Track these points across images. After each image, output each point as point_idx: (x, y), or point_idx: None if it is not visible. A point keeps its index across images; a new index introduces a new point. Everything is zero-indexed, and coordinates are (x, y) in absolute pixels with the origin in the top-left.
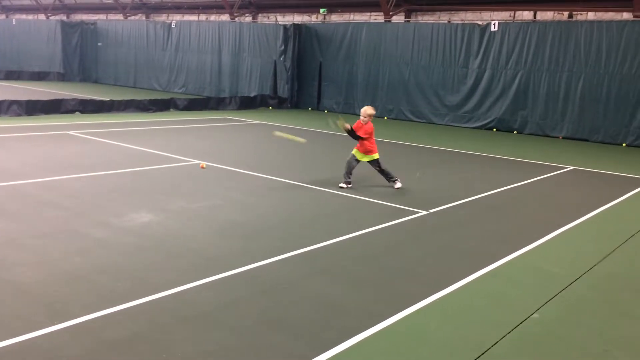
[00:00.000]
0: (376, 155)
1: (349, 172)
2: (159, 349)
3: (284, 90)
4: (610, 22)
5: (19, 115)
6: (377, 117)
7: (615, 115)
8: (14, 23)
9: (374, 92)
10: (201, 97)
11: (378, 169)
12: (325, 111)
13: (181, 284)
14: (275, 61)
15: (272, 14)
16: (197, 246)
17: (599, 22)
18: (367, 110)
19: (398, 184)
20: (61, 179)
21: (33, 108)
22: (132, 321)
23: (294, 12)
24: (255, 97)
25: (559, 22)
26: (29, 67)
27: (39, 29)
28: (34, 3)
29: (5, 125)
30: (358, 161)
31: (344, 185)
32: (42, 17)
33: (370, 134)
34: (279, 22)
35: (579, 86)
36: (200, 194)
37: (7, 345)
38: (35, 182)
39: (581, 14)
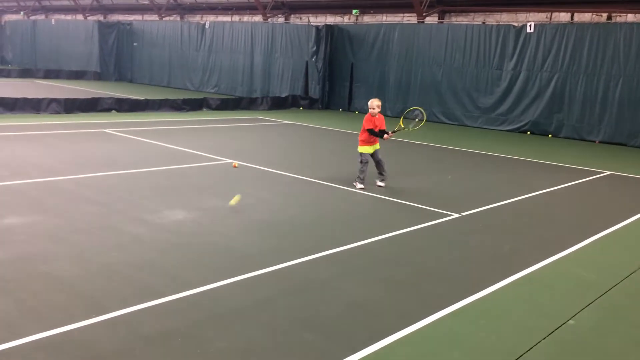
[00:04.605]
0: (369, 149)
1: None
2: (193, 345)
3: (315, 91)
4: None
5: (58, 113)
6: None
7: None
8: (53, 23)
9: (406, 93)
10: (233, 97)
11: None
12: (356, 112)
13: (214, 281)
14: (307, 62)
15: (305, 15)
16: (230, 244)
17: (639, 24)
18: (375, 101)
19: (380, 183)
20: (97, 176)
21: (71, 106)
22: (167, 317)
23: (326, 13)
24: (286, 97)
25: (597, 23)
26: (67, 66)
27: (77, 29)
28: (73, 4)
29: (44, 123)
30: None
31: (359, 185)
32: (80, 17)
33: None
34: (312, 23)
35: (618, 89)
36: (232, 192)
37: (46, 337)
38: (72, 179)
39: (620, 16)
